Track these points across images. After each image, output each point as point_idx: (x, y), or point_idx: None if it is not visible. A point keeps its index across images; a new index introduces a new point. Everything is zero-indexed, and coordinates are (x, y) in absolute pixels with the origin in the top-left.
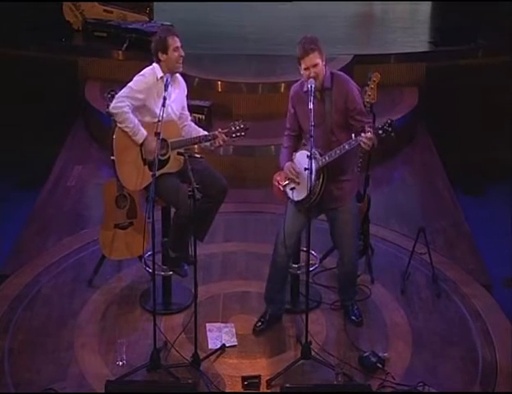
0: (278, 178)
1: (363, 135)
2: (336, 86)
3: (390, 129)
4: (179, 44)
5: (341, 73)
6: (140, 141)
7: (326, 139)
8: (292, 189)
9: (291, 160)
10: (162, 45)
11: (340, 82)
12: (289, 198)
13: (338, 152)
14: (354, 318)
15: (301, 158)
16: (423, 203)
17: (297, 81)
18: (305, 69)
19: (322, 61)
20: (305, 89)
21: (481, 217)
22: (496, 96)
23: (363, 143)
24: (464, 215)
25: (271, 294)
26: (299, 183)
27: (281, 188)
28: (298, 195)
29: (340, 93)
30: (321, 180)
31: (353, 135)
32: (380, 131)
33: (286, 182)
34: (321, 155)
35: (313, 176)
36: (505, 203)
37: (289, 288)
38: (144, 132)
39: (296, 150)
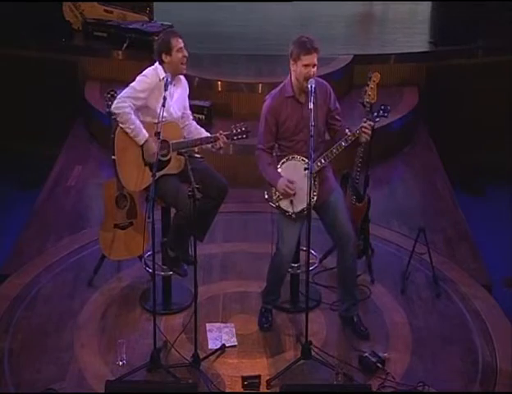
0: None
1: (362, 124)
2: (318, 89)
3: (385, 114)
4: (182, 45)
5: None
6: (141, 143)
7: (314, 141)
8: (290, 202)
9: (280, 176)
10: (165, 46)
11: (319, 84)
12: (286, 212)
13: (335, 151)
14: (362, 328)
15: (290, 169)
16: (423, 203)
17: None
18: (306, 66)
19: None
20: (287, 94)
21: (481, 217)
22: (496, 96)
23: (364, 132)
24: (464, 215)
25: (271, 295)
26: (295, 194)
27: (274, 206)
28: (298, 205)
29: (322, 95)
30: (316, 182)
31: (347, 130)
32: (377, 119)
33: (281, 198)
34: (304, 160)
35: (312, 181)
36: (505, 203)
37: (289, 288)
38: (145, 134)
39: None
